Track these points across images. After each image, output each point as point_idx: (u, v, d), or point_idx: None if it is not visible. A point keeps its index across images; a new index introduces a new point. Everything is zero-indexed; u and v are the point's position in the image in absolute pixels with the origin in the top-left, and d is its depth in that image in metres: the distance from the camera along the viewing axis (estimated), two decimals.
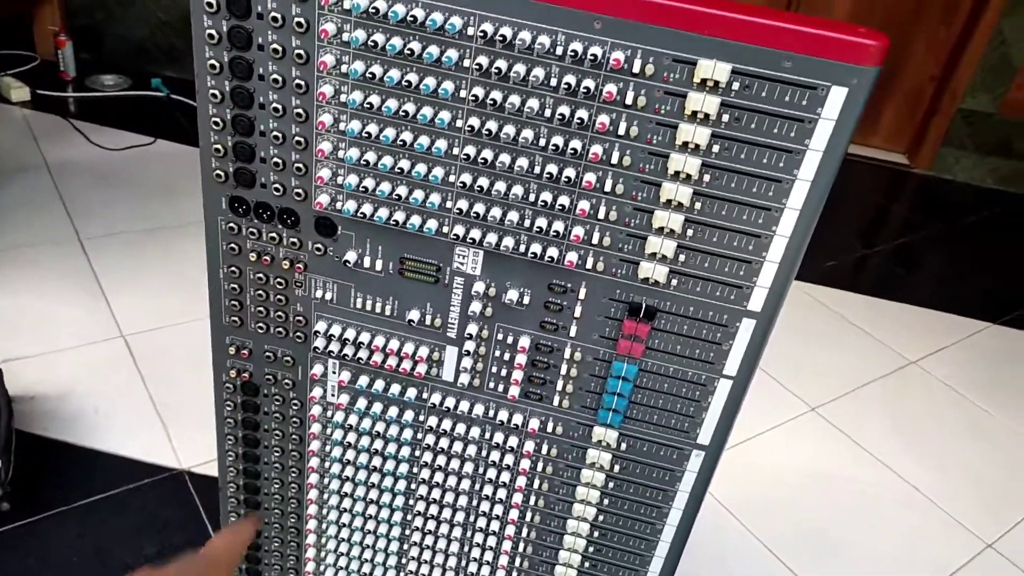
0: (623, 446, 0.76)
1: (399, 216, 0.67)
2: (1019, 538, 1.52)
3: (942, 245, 2.67)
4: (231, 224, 0.70)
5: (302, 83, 0.62)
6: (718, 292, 0.66)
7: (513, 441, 0.78)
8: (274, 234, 0.70)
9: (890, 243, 2.63)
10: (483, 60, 0.59)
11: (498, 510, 0.83)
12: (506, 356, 0.73)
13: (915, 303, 2.25)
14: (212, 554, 0.51)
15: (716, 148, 0.60)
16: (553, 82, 0.59)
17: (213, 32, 0.61)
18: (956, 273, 2.53)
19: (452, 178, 0.64)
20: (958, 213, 2.89)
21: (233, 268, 0.73)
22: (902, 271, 2.47)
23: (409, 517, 0.86)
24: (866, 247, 2.57)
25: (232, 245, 0.71)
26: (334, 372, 0.78)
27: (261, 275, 0.73)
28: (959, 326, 2.17)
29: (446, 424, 0.78)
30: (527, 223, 0.65)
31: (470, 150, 0.62)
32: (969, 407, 1.86)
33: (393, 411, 0.78)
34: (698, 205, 0.62)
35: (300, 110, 0.63)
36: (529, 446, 0.78)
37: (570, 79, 0.58)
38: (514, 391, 0.75)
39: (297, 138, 0.64)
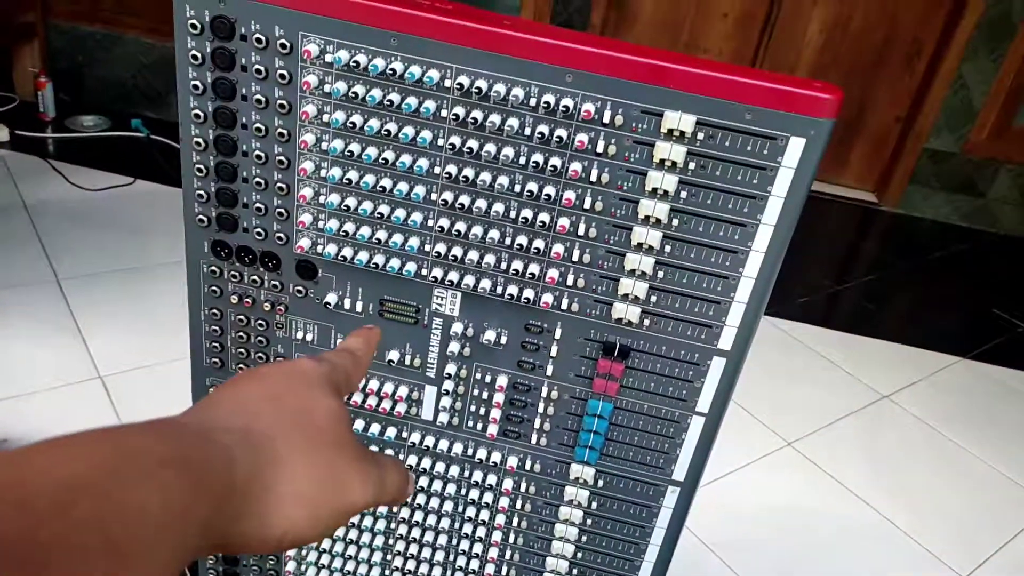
0: (600, 483, 0.77)
1: (379, 259, 0.69)
2: (993, 572, 1.54)
3: (911, 281, 2.73)
4: (213, 267, 0.72)
5: (285, 132, 0.64)
6: (689, 331, 0.68)
7: (492, 479, 0.79)
8: (256, 277, 0.71)
9: (861, 279, 2.69)
10: (460, 110, 0.61)
11: (478, 548, 0.83)
12: (484, 395, 0.75)
13: (886, 338, 2.29)
14: (351, 347, 0.50)
15: (684, 194, 0.62)
16: (527, 131, 0.61)
17: (198, 83, 0.63)
18: (926, 308, 2.59)
19: (431, 222, 0.66)
20: (926, 249, 2.96)
21: (214, 310, 0.74)
22: (873, 307, 2.52)
23: (389, 557, 0.86)
24: (838, 283, 2.62)
25: (214, 288, 0.73)
26: None
27: (242, 317, 0.74)
28: (930, 361, 2.21)
29: (425, 463, 0.79)
30: (504, 266, 0.67)
31: (448, 196, 0.65)
32: (941, 440, 1.89)
33: (373, 450, 0.79)
34: (668, 248, 0.65)
35: (282, 157, 0.65)
36: (508, 484, 0.79)
37: (543, 129, 0.61)
38: (492, 429, 0.76)
39: (279, 184, 0.66)
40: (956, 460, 1.83)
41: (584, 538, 0.81)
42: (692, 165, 0.61)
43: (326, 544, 0.86)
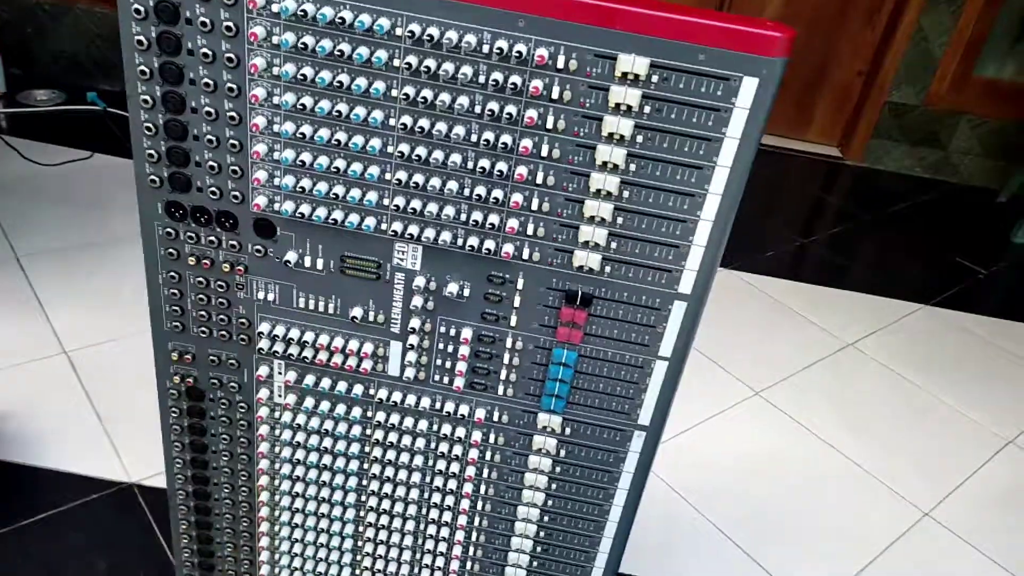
0: (567, 431, 0.78)
1: (337, 215, 0.68)
2: (954, 505, 1.59)
3: (875, 232, 2.77)
4: (168, 229, 0.71)
5: (234, 86, 0.63)
6: (650, 276, 0.69)
7: (461, 432, 0.79)
8: (213, 237, 0.71)
9: (825, 232, 2.72)
10: (412, 59, 0.60)
11: (449, 500, 0.84)
12: (449, 348, 0.75)
13: (852, 288, 2.33)
14: None
15: (640, 138, 0.62)
16: (481, 79, 0.61)
17: (142, 39, 0.61)
18: (889, 259, 2.63)
19: (388, 176, 0.66)
20: (889, 201, 3.00)
21: (172, 273, 0.73)
22: (839, 259, 2.56)
23: (362, 513, 0.87)
24: (803, 236, 2.65)
25: (170, 250, 0.72)
26: (280, 373, 0.78)
27: (201, 279, 0.73)
28: (893, 308, 2.26)
29: (394, 418, 0.79)
30: (463, 217, 0.67)
31: (404, 148, 0.64)
32: (904, 384, 1.93)
33: (341, 408, 0.79)
34: (626, 194, 0.65)
35: (233, 113, 0.64)
36: (476, 436, 0.80)
37: (498, 76, 0.61)
38: (459, 382, 0.76)
39: (232, 141, 0.65)
40: (919, 403, 1.88)
41: (554, 486, 0.82)
42: (647, 109, 0.61)
43: (298, 519, 0.86)
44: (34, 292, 1.71)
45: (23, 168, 2.18)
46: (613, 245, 0.67)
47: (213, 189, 0.68)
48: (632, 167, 0.64)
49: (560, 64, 0.60)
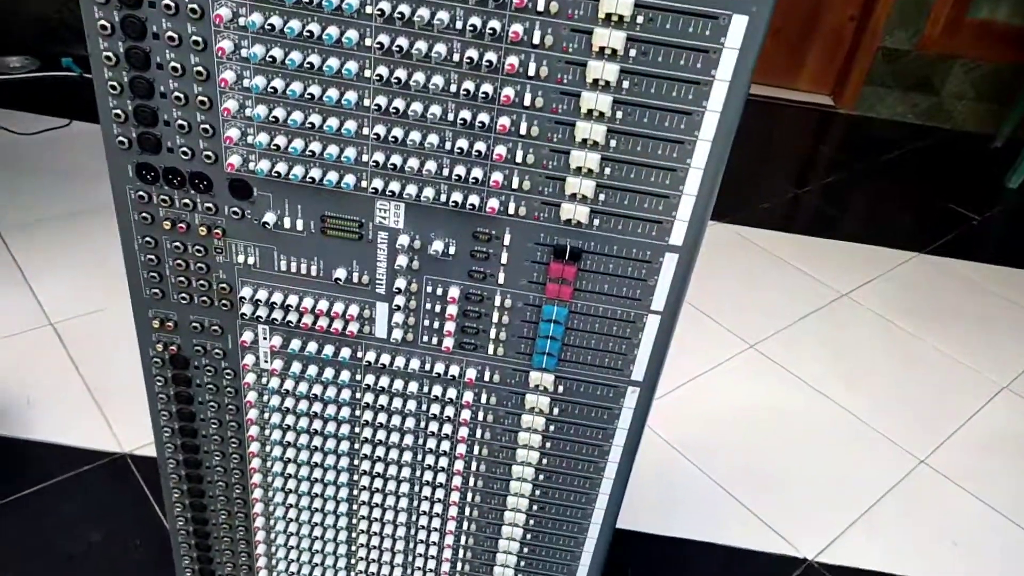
0: (560, 388, 0.77)
1: (315, 173, 0.66)
2: (949, 452, 1.60)
3: (868, 181, 2.74)
4: (141, 193, 0.68)
5: (199, 39, 0.60)
6: (640, 229, 0.67)
7: (452, 393, 0.78)
8: (187, 200, 0.68)
9: (818, 183, 2.70)
10: (385, 5, 0.57)
11: (443, 462, 0.83)
12: (437, 308, 0.73)
13: (845, 239, 2.32)
14: None
15: (626, 84, 0.60)
16: (459, 25, 0.58)
17: None
18: (883, 207, 2.61)
19: (366, 130, 0.63)
20: (883, 149, 2.97)
21: (148, 239, 0.71)
22: (831, 209, 2.54)
23: (355, 478, 0.86)
24: (796, 188, 2.63)
25: (144, 215, 0.69)
26: (264, 338, 0.77)
27: (178, 244, 0.71)
28: (887, 257, 2.24)
29: (383, 381, 0.78)
30: (445, 172, 0.65)
31: (381, 100, 0.61)
32: (899, 333, 1.93)
33: (329, 372, 0.78)
34: (613, 143, 0.63)
35: (200, 68, 0.61)
36: (468, 396, 0.78)
37: (475, 21, 0.58)
38: (448, 343, 0.75)
39: (200, 98, 0.62)
40: (914, 351, 1.88)
41: (548, 444, 0.81)
42: (633, 52, 0.58)
43: (291, 484, 0.85)
44: (17, 264, 1.68)
45: (1, 138, 2.14)
46: (601, 197, 0.65)
47: (184, 149, 0.65)
48: (619, 114, 0.61)
49: (540, 7, 0.57)
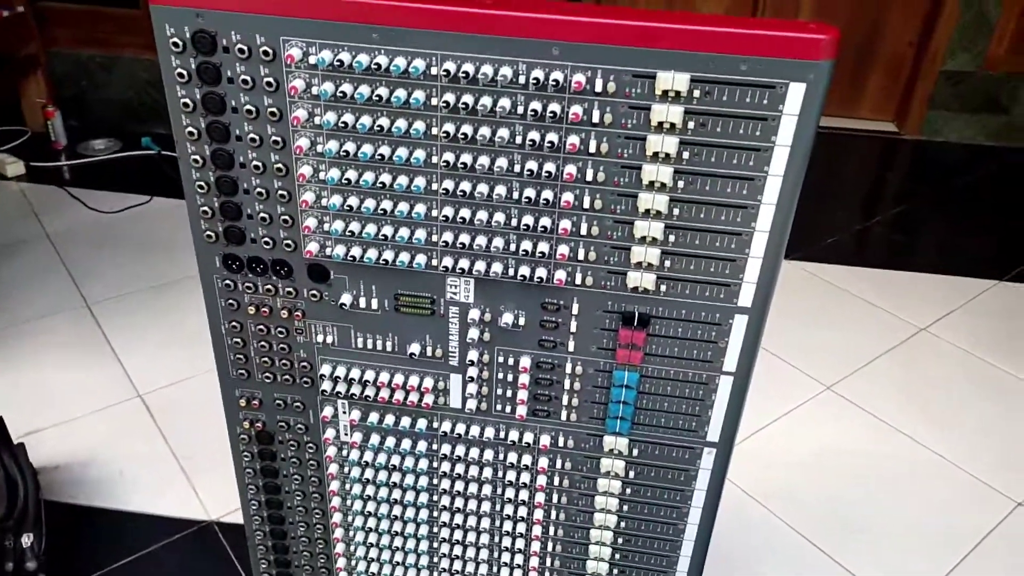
0: (635, 452, 0.77)
1: (388, 255, 0.68)
2: None
3: (940, 208, 2.66)
4: (227, 281, 0.72)
5: (278, 139, 0.64)
6: (707, 292, 0.67)
7: (527, 459, 0.79)
8: (270, 286, 0.72)
9: (887, 213, 2.63)
10: (450, 97, 0.60)
11: (521, 528, 0.84)
12: (509, 377, 0.74)
13: (919, 270, 2.24)
14: None
15: (686, 155, 0.61)
16: (520, 110, 0.61)
17: (188, 100, 0.63)
18: (957, 235, 2.52)
19: (435, 212, 0.66)
20: (952, 174, 2.88)
21: (234, 323, 0.75)
22: (902, 239, 2.47)
23: (435, 545, 0.87)
24: (864, 219, 2.57)
25: (230, 301, 0.73)
26: (344, 412, 0.79)
27: (262, 326, 0.75)
28: (965, 287, 2.16)
29: (459, 450, 0.79)
30: (513, 247, 0.67)
31: (448, 184, 0.64)
32: (983, 367, 1.85)
33: (406, 443, 0.80)
34: (676, 211, 0.64)
35: (280, 164, 0.65)
36: (543, 462, 0.79)
37: (536, 105, 0.60)
38: (521, 410, 0.76)
39: (280, 192, 0.66)
40: (1000, 385, 1.80)
41: (625, 507, 0.81)
42: (692, 124, 0.60)
43: (373, 553, 0.87)
44: (106, 338, 1.77)
45: (87, 217, 2.27)
46: (667, 263, 0.66)
47: (267, 239, 0.69)
48: (680, 184, 0.62)
49: (598, 88, 0.59)
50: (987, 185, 2.82)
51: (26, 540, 1.16)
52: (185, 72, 0.62)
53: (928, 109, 3.10)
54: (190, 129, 0.64)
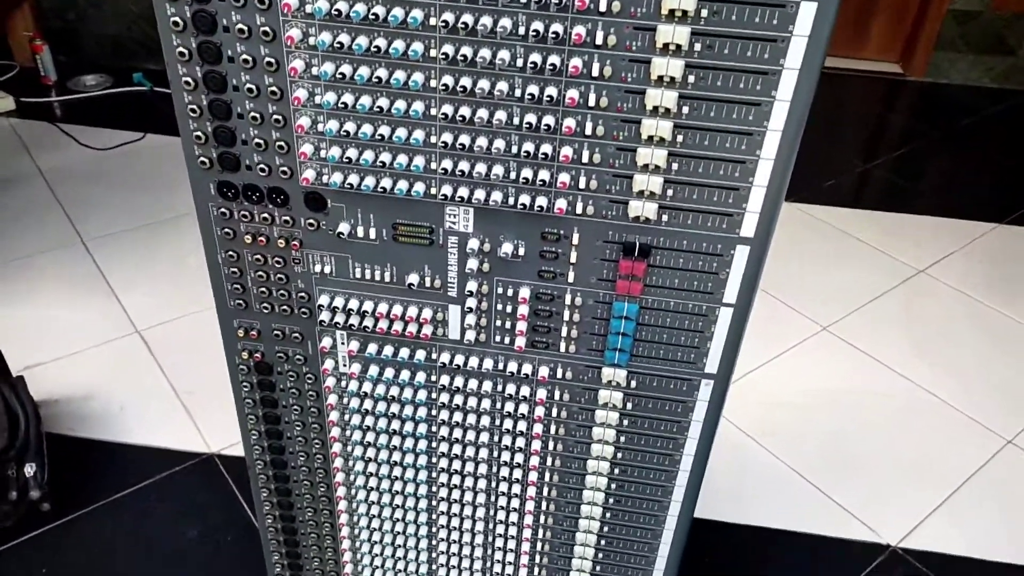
0: (633, 383, 0.77)
1: (386, 183, 0.67)
2: None
3: (943, 151, 2.64)
4: (222, 209, 0.71)
5: (272, 61, 0.62)
6: (709, 222, 0.66)
7: (525, 391, 0.79)
8: (266, 214, 0.71)
9: (890, 155, 2.61)
10: (449, 16, 0.58)
11: (519, 459, 0.85)
12: (508, 309, 0.74)
13: (920, 212, 2.24)
14: None
15: (691, 79, 0.59)
16: (521, 31, 0.59)
17: (177, 19, 0.61)
18: (959, 178, 2.51)
19: (433, 139, 0.65)
20: (956, 116, 2.85)
21: (231, 252, 0.74)
22: (904, 182, 2.45)
23: (433, 475, 0.88)
24: (866, 161, 2.55)
25: (226, 230, 0.72)
26: (343, 343, 0.79)
27: (259, 256, 0.74)
28: (965, 230, 2.16)
29: (458, 381, 0.79)
30: (513, 175, 0.66)
31: (447, 109, 0.63)
32: (980, 308, 1.86)
33: (405, 374, 0.80)
34: (680, 138, 0.62)
35: (274, 88, 0.63)
36: (541, 394, 0.79)
37: (538, 25, 0.58)
38: (520, 342, 0.76)
39: (275, 116, 0.65)
40: (996, 326, 1.81)
41: (623, 439, 0.82)
42: (698, 46, 0.58)
43: (372, 483, 0.88)
44: (103, 275, 1.77)
45: (80, 154, 2.24)
46: (669, 192, 0.65)
47: (262, 166, 0.68)
48: (685, 109, 0.61)
49: (603, 7, 0.57)
50: (991, 128, 2.79)
51: (29, 470, 1.18)
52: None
53: (934, 50, 3.04)
54: (180, 50, 0.62)
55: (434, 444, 0.85)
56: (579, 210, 0.67)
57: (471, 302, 0.74)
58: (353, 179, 0.67)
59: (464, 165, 0.65)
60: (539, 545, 0.93)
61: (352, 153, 0.66)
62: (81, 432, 1.38)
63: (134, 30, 2.72)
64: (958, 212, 2.24)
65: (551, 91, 0.61)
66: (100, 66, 2.71)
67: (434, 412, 0.83)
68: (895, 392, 1.61)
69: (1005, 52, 3.04)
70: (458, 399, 0.81)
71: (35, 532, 1.21)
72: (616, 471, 0.84)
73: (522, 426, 0.82)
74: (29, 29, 2.61)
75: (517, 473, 0.86)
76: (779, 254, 1.88)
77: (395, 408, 0.82)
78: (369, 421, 0.84)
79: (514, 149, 0.64)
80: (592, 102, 0.61)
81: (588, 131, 0.63)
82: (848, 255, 2.03)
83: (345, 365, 0.81)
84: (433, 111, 0.63)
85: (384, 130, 0.64)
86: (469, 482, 0.88)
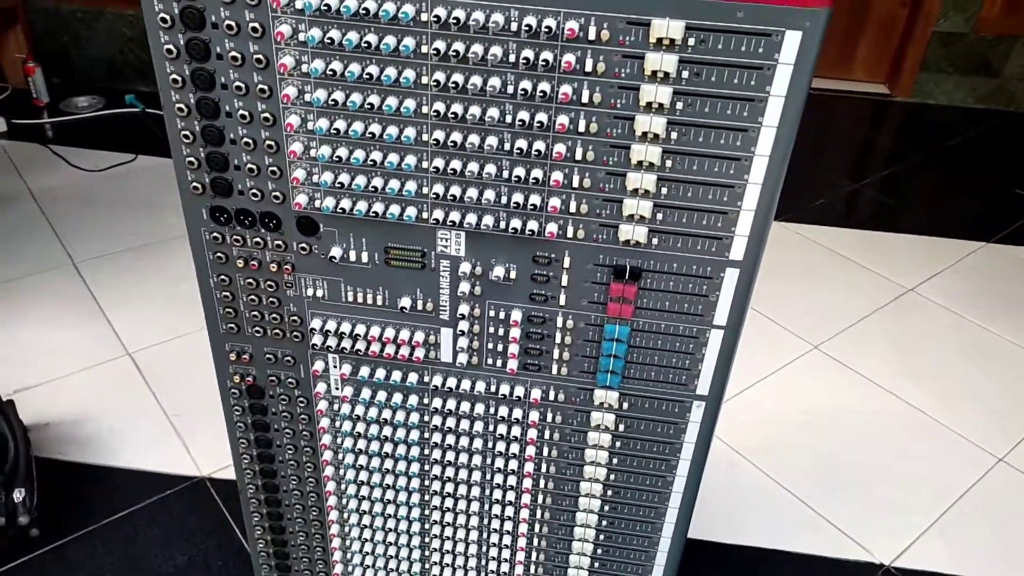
0: (625, 405, 0.78)
1: (378, 207, 0.68)
2: None
3: (929, 170, 2.67)
4: (215, 234, 0.71)
5: (265, 87, 0.62)
6: (699, 245, 0.67)
7: (518, 413, 0.79)
8: (258, 239, 0.71)
9: (877, 175, 2.63)
10: (440, 44, 0.59)
11: (511, 481, 0.85)
12: (500, 331, 0.74)
13: (908, 231, 2.26)
14: None
15: (680, 105, 0.60)
16: (512, 58, 0.60)
17: (171, 47, 0.61)
18: (946, 197, 2.53)
19: (425, 164, 0.65)
20: (942, 136, 2.88)
21: (223, 276, 0.74)
22: (892, 201, 2.47)
23: (426, 498, 0.88)
24: (855, 181, 2.57)
25: (219, 254, 0.73)
26: (335, 366, 0.79)
27: (251, 280, 0.74)
28: (953, 249, 2.18)
29: (450, 404, 0.80)
30: (504, 200, 0.66)
31: (439, 135, 0.63)
32: (969, 327, 1.87)
33: (397, 397, 0.80)
34: (669, 163, 0.63)
35: (267, 114, 0.64)
36: (534, 416, 0.79)
37: (528, 53, 0.59)
38: (512, 364, 0.76)
39: (268, 142, 0.65)
40: (984, 344, 1.82)
41: (615, 460, 0.82)
42: (686, 74, 0.59)
43: (365, 506, 0.88)
44: (94, 297, 1.76)
45: (72, 175, 2.24)
46: (659, 216, 0.66)
47: (254, 191, 0.68)
48: (674, 135, 0.62)
49: (592, 35, 0.58)
50: (976, 148, 2.83)
51: (18, 495, 1.17)
52: (168, 17, 0.60)
53: (920, 71, 3.09)
54: (174, 76, 0.63)
55: (426, 467, 0.85)
56: (570, 234, 0.68)
57: (463, 325, 0.74)
58: (345, 204, 0.68)
59: (455, 190, 0.66)
60: (533, 568, 0.93)
61: (344, 178, 0.66)
62: (71, 456, 1.37)
63: (126, 53, 2.73)
64: (946, 231, 2.26)
65: (541, 117, 0.61)
66: (92, 88, 2.72)
67: (426, 435, 0.82)
68: (886, 410, 1.62)
69: (989, 73, 3.08)
70: (450, 422, 0.81)
71: (24, 558, 1.19)
72: (609, 493, 0.84)
73: (515, 448, 0.82)
74: (22, 51, 2.62)
75: (510, 496, 0.86)
76: (769, 273, 1.89)
77: (387, 431, 0.82)
78: (361, 444, 0.84)
79: (505, 174, 0.65)
80: (582, 128, 0.62)
81: (578, 156, 0.63)
82: (837, 274, 2.04)
83: (337, 388, 0.81)
84: (425, 136, 0.64)
85: (376, 155, 0.65)
86: (462, 505, 0.88)
